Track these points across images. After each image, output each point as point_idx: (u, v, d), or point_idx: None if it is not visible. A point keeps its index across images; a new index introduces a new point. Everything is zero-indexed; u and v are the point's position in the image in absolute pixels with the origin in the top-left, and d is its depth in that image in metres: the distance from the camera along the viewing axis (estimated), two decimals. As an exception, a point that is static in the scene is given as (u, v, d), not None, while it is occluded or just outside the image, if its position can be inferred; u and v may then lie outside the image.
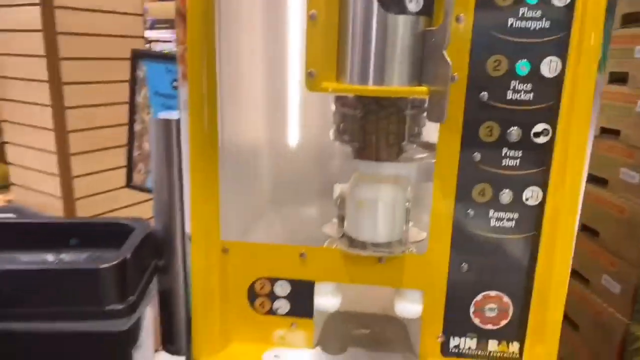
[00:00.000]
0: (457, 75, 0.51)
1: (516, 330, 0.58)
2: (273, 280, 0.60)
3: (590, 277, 0.92)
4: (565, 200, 0.52)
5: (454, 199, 0.55)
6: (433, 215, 0.55)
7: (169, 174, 0.71)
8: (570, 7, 0.49)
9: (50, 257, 0.77)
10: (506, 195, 0.54)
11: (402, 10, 0.49)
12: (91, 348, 0.66)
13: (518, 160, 0.53)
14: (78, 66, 1.42)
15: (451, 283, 0.57)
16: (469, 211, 0.55)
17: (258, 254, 0.59)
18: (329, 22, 0.51)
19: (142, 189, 1.12)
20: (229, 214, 0.59)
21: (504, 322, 0.58)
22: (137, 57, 1.13)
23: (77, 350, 0.66)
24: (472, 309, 0.58)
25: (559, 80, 0.50)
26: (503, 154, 0.53)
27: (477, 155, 0.53)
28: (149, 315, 0.73)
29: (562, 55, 0.50)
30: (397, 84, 0.51)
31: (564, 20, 0.49)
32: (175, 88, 1.06)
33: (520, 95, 0.51)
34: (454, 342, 0.59)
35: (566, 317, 0.82)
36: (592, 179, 0.95)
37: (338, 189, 0.63)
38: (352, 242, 0.60)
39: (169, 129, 0.70)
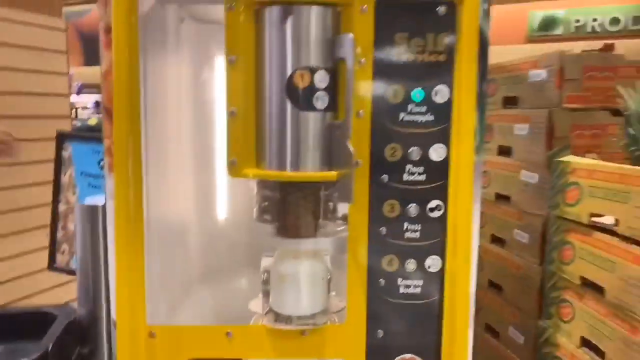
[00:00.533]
0: (361, 161, 0.57)
1: (431, 388, 0.61)
2: (201, 361, 0.60)
3: (499, 330, 0.99)
4: (460, 266, 0.58)
5: (366, 269, 0.59)
6: (349, 285, 0.59)
7: (94, 259, 0.71)
8: (449, 103, 0.57)
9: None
10: (411, 264, 0.59)
11: (311, 107, 0.55)
12: None
13: (418, 233, 0.59)
14: (-1, 147, 1.37)
15: (370, 349, 0.60)
16: (380, 280, 0.59)
17: (185, 336, 0.59)
18: (248, 117, 0.57)
19: (66, 270, 1.08)
20: (155, 298, 0.59)
21: (420, 383, 0.61)
22: (63, 138, 1.12)
23: None
24: (390, 373, 0.61)
25: (445, 162, 0.58)
26: (405, 228, 0.58)
27: (384, 230, 0.58)
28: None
29: (446, 142, 0.58)
30: (310, 170, 0.57)
31: (445, 113, 0.57)
32: (102, 168, 1.05)
33: (415, 177, 0.58)
34: (376, 406, 0.61)
35: (481, 370, 0.87)
36: (495, 239, 1.05)
37: (265, 262, 0.66)
38: (278, 317, 0.62)
39: (94, 215, 0.70)
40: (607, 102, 0.80)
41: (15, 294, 1.39)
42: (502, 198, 1.00)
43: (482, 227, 1.08)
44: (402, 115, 0.57)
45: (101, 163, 1.08)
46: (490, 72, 1.04)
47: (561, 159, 0.78)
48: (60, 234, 1.10)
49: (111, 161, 0.56)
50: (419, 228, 0.59)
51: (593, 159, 0.78)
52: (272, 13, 0.55)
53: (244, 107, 0.56)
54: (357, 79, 0.56)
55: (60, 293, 1.44)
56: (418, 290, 0.60)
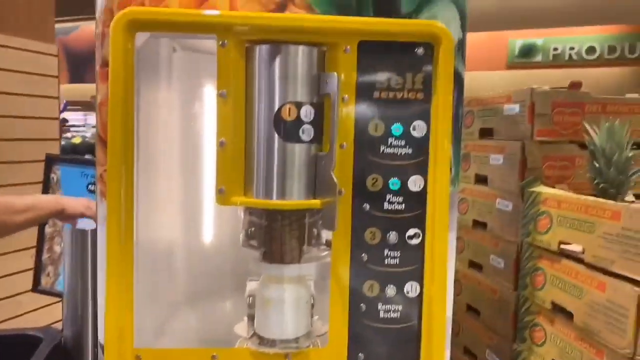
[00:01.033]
0: (344, 190, 0.60)
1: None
2: (186, 384, 0.61)
3: (477, 353, 1.01)
4: (436, 291, 0.60)
5: (348, 294, 0.61)
6: (331, 309, 0.61)
7: (83, 283, 0.71)
8: (426, 138, 0.61)
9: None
10: (391, 290, 0.61)
11: (297, 139, 0.58)
12: None
13: (397, 259, 0.61)
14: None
15: (351, 372, 0.62)
16: (361, 305, 0.61)
17: (171, 359, 0.60)
18: (236, 147, 0.59)
19: (50, 292, 1.07)
20: (142, 320, 0.60)
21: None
22: (52, 161, 1.13)
23: None
24: (371, 395, 0.63)
25: (423, 193, 0.61)
26: (385, 255, 0.61)
27: (365, 256, 0.61)
28: None
29: (424, 173, 0.61)
30: (296, 198, 0.59)
31: (422, 147, 0.60)
32: (91, 192, 1.06)
33: (395, 206, 0.61)
34: None
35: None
36: (472, 264, 1.07)
37: (250, 286, 0.67)
38: (262, 340, 0.63)
39: (84, 239, 0.71)
40: (575, 136, 0.85)
41: (0, 316, 1.37)
42: (479, 225, 1.03)
43: (460, 252, 1.11)
44: (382, 148, 0.60)
45: (90, 187, 1.09)
46: (468, 104, 1.09)
47: (533, 189, 0.82)
48: (45, 256, 1.10)
49: (103, 188, 0.58)
50: (399, 255, 0.61)
51: (563, 189, 0.82)
52: (261, 51, 0.58)
53: (233, 137, 0.58)
54: (341, 114, 0.59)
55: (43, 315, 1.42)
56: (397, 314, 0.62)
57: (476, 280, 1.03)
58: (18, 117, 1.38)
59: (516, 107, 0.89)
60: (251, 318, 0.65)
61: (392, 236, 0.61)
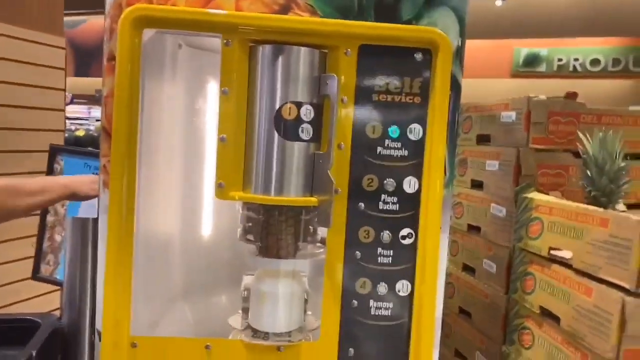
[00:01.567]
0: (340, 189, 0.61)
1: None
2: (180, 372, 0.62)
3: (467, 355, 1.02)
4: (427, 290, 0.62)
5: (340, 290, 0.63)
6: (324, 305, 0.62)
7: (82, 271, 0.73)
8: (422, 141, 0.62)
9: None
10: (382, 288, 0.63)
11: (297, 138, 0.60)
12: None
13: (390, 258, 0.63)
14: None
15: (341, 367, 0.63)
16: (353, 301, 0.63)
17: (166, 347, 0.61)
18: (237, 143, 0.61)
19: (50, 280, 1.09)
20: (139, 308, 0.62)
21: (387, 401, 0.64)
22: (56, 151, 1.15)
23: None
24: (360, 390, 0.64)
25: (417, 194, 0.62)
26: (378, 253, 0.62)
27: (358, 254, 0.62)
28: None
29: (419, 175, 0.62)
30: (293, 195, 0.61)
31: (418, 149, 0.62)
32: (93, 183, 1.08)
33: (389, 206, 0.62)
34: (344, 422, 0.64)
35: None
36: (466, 268, 1.09)
37: (246, 280, 0.69)
38: (255, 333, 0.65)
39: (85, 228, 0.73)
40: (570, 144, 0.86)
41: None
42: (473, 229, 1.04)
43: (454, 255, 1.13)
44: (379, 149, 0.61)
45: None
46: (467, 110, 1.11)
47: (526, 195, 0.83)
48: (46, 244, 1.11)
49: (106, 179, 0.60)
50: (391, 254, 0.62)
51: (556, 197, 0.83)
52: (264, 51, 0.59)
53: (233, 134, 0.60)
54: (340, 115, 0.60)
55: (42, 302, 1.44)
56: (388, 312, 0.63)
57: (469, 284, 1.04)
58: (25, 107, 1.40)
59: (513, 115, 0.91)
60: (245, 311, 0.67)
61: (386, 235, 0.62)
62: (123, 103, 0.57)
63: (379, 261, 0.63)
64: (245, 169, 0.61)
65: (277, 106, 0.59)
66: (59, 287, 1.17)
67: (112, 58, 0.61)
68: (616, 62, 5.66)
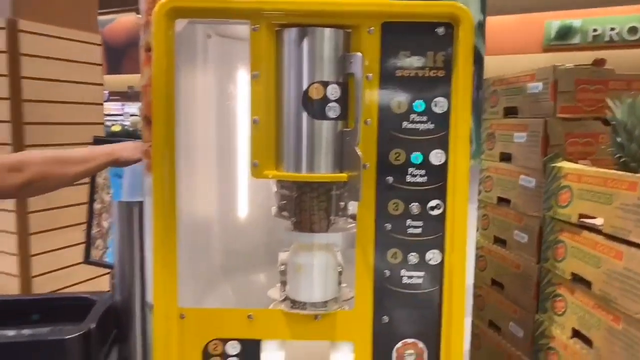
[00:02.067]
0: (368, 164, 0.63)
1: (432, 371, 0.66)
2: (225, 341, 0.66)
3: (501, 325, 1.03)
4: (457, 259, 0.63)
5: (373, 261, 0.65)
6: (357, 276, 0.65)
7: (130, 251, 0.77)
8: (447, 114, 0.63)
9: (11, 333, 0.79)
10: (413, 257, 0.64)
11: (324, 117, 0.62)
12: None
13: (420, 229, 0.64)
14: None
15: (376, 333, 0.66)
16: (385, 271, 0.65)
17: (211, 318, 0.65)
18: (269, 125, 0.63)
19: (100, 264, 1.15)
20: (185, 283, 0.66)
21: (421, 365, 0.67)
22: (99, 143, 1.21)
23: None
24: (394, 355, 0.66)
25: (444, 166, 0.63)
26: (407, 225, 0.64)
27: (388, 226, 0.64)
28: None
29: (445, 147, 0.63)
30: (323, 171, 0.63)
31: (443, 122, 0.63)
32: (134, 171, 1.13)
33: (417, 179, 0.64)
34: (381, 386, 0.66)
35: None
36: (497, 240, 1.09)
37: (282, 256, 0.72)
38: (294, 303, 0.68)
39: (131, 212, 0.77)
40: (599, 112, 0.85)
41: (52, 286, 1.48)
42: (503, 201, 1.04)
43: (485, 228, 1.13)
44: (405, 124, 0.63)
45: (133, 167, 1.16)
46: (493, 84, 1.10)
47: (554, 164, 0.83)
48: (95, 230, 1.18)
49: (150, 163, 0.64)
50: (421, 225, 0.64)
51: (586, 165, 0.83)
52: (290, 34, 0.61)
53: (265, 116, 0.62)
54: (365, 92, 0.62)
55: (93, 285, 1.53)
56: (420, 280, 0.65)
57: (500, 256, 1.04)
58: (66, 102, 1.47)
59: (539, 85, 0.90)
60: (283, 284, 0.70)
61: (415, 207, 0.64)
62: (161, 91, 0.60)
63: (409, 232, 0.64)
64: (277, 149, 0.64)
65: (305, 87, 0.61)
66: (106, 270, 1.24)
67: (148, 49, 0.64)
68: (657, 28, 5.35)
